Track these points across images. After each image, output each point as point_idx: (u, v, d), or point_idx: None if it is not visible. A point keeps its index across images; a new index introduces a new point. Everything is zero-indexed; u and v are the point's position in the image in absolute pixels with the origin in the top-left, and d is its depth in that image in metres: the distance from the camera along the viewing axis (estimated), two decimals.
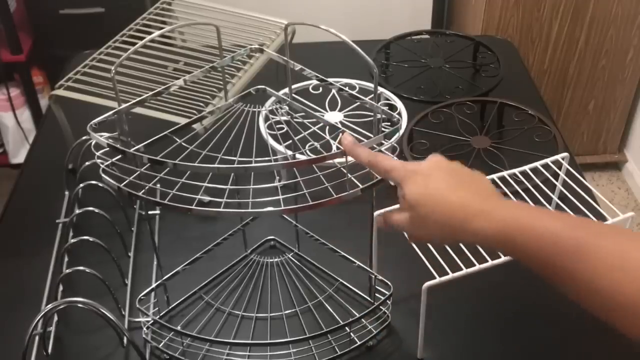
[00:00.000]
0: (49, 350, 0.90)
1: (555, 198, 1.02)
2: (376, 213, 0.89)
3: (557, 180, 1.01)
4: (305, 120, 0.91)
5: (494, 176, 0.96)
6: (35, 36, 2.42)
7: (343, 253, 1.01)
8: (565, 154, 1.01)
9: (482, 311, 0.98)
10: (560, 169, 1.00)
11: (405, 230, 0.73)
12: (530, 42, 2.17)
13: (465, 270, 0.85)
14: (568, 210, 0.96)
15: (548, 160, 1.00)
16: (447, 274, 0.84)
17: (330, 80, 0.87)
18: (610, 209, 0.92)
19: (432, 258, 0.86)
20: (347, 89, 0.86)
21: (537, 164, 0.99)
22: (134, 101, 0.81)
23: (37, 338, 0.90)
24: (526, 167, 0.98)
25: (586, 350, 0.93)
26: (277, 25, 1.33)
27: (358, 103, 0.85)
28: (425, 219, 0.68)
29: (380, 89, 1.25)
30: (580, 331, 0.94)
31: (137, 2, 2.18)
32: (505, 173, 0.97)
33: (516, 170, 0.98)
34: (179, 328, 0.91)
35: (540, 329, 0.94)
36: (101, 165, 0.77)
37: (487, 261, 0.86)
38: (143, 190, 0.76)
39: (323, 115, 0.95)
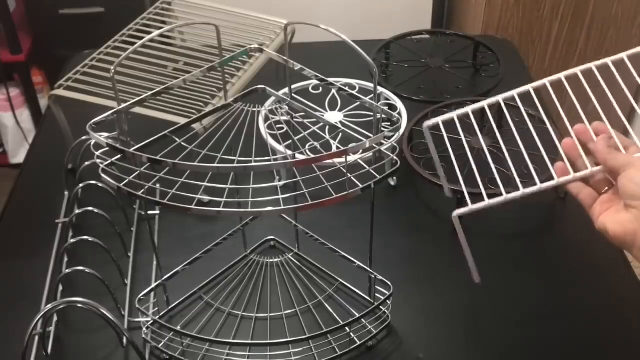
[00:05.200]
0: (49, 351, 0.90)
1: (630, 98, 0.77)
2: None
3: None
4: (305, 120, 0.91)
5: (569, 73, 0.78)
6: (35, 36, 2.42)
7: (343, 253, 1.01)
8: None
9: (483, 311, 0.98)
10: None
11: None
12: (530, 42, 2.17)
13: (504, 197, 0.69)
14: None
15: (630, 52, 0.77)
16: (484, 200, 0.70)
17: (330, 80, 0.87)
18: None
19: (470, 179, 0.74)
20: (347, 89, 0.86)
21: (623, 55, 0.80)
22: (134, 101, 0.81)
23: (36, 338, 0.90)
24: (608, 60, 0.79)
25: (586, 351, 0.93)
26: (276, 25, 1.33)
27: (358, 103, 0.85)
28: None
29: (380, 89, 1.25)
30: (582, 332, 0.94)
31: (137, 2, 2.18)
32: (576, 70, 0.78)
33: (592, 65, 0.79)
34: (178, 328, 0.91)
35: (544, 328, 0.94)
36: (101, 165, 0.77)
37: (535, 184, 0.69)
38: (142, 190, 0.76)
39: (323, 115, 0.95)
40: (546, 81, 0.78)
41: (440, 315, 0.96)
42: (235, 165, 0.78)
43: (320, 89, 1.21)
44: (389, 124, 1.13)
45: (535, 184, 0.68)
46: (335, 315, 0.95)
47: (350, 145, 0.73)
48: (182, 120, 0.93)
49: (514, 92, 0.79)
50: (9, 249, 1.10)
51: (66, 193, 1.16)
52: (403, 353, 0.92)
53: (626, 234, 0.62)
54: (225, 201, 0.74)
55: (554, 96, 0.79)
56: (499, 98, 0.78)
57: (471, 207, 0.68)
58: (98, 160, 0.77)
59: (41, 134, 1.38)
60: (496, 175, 0.72)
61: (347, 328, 0.90)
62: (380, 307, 0.93)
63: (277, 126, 1.02)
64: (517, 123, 0.81)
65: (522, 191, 0.68)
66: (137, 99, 0.82)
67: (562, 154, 0.69)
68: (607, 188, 0.67)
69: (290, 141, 0.94)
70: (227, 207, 0.74)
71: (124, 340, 0.88)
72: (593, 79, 0.77)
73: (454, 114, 0.78)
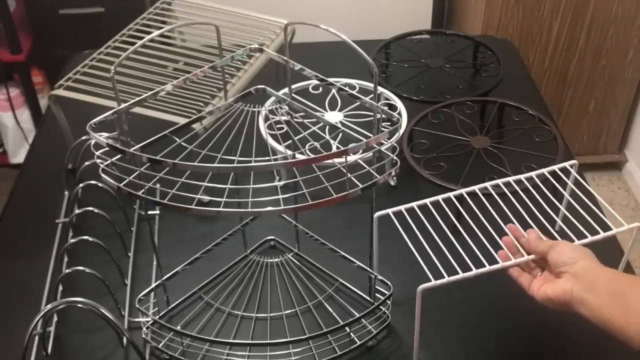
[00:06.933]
0: (49, 350, 0.90)
1: (562, 209, 0.95)
2: (376, 215, 0.88)
3: (563, 188, 0.98)
4: (305, 120, 0.91)
5: (499, 181, 0.94)
6: (35, 36, 2.42)
7: (343, 253, 1.01)
8: (573, 162, 0.98)
9: (484, 311, 0.98)
10: (568, 177, 0.97)
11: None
12: (530, 42, 2.17)
13: (461, 275, 0.83)
14: (573, 220, 0.92)
15: (555, 167, 0.98)
16: (444, 277, 0.82)
17: (330, 80, 0.87)
18: (615, 218, 0.89)
19: (430, 262, 0.84)
20: (347, 89, 0.85)
21: (544, 170, 0.97)
22: (134, 101, 0.81)
23: (36, 338, 0.90)
24: (532, 174, 0.96)
25: (587, 351, 0.93)
26: (277, 25, 1.33)
27: (358, 103, 0.85)
28: None
29: (380, 89, 1.25)
30: (582, 332, 0.94)
31: (137, 2, 2.18)
32: (510, 179, 0.95)
33: (522, 176, 0.96)
34: (178, 328, 0.91)
35: (543, 328, 0.94)
36: (101, 165, 0.77)
37: (484, 266, 0.84)
38: (142, 190, 0.76)
39: (323, 115, 0.95)
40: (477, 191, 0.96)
41: (440, 315, 0.96)
42: (235, 165, 0.78)
43: (320, 89, 1.21)
44: (389, 124, 1.13)
45: (485, 266, 0.84)
46: (335, 315, 0.95)
47: (350, 145, 0.73)
48: (182, 120, 0.93)
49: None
50: (9, 249, 1.10)
51: (66, 193, 1.16)
52: (403, 353, 0.92)
53: (565, 293, 0.77)
54: (225, 201, 0.75)
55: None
56: (438, 197, 0.95)
57: (434, 282, 0.81)
58: (98, 160, 0.77)
59: (41, 134, 1.38)
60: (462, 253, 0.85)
61: (347, 328, 0.90)
62: (380, 307, 0.93)
63: (277, 126, 1.02)
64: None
65: (475, 271, 0.83)
66: (137, 99, 0.82)
67: (503, 247, 0.87)
68: (539, 273, 0.84)
69: (290, 141, 0.94)
70: (227, 207, 0.74)
71: (124, 340, 0.88)
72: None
73: (402, 208, 0.91)
